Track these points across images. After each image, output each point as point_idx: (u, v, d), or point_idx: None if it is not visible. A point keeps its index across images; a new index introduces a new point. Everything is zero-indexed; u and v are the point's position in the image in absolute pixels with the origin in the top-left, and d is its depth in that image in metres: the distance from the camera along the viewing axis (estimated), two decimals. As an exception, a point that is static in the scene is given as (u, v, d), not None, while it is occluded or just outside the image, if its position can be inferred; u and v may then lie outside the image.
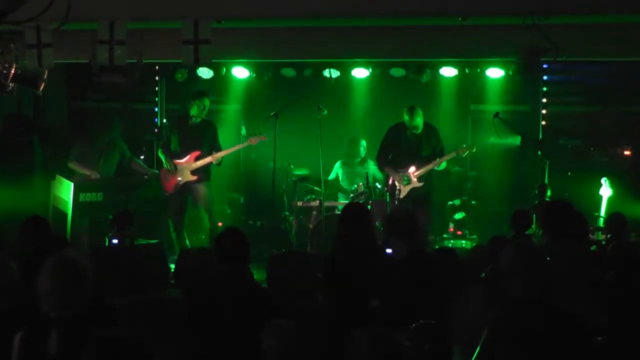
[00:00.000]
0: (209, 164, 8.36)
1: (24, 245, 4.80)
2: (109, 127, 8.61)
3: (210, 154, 8.31)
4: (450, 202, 9.33)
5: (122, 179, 8.70)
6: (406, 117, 8.30)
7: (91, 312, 3.13)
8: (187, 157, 8.29)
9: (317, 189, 8.65)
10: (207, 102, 8.31)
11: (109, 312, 3.95)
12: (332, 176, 9.26)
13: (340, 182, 9.23)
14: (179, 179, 8.28)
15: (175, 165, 8.27)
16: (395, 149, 8.40)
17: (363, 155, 9.24)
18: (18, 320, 3.23)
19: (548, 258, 3.88)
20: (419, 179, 8.30)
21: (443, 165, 8.49)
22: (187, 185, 8.31)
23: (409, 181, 8.26)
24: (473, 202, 9.39)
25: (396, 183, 8.30)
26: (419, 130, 8.34)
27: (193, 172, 8.27)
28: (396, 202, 8.08)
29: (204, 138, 8.34)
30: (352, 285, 4.77)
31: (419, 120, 8.28)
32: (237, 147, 8.49)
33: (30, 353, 3.04)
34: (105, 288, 3.55)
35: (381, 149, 8.54)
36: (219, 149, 8.36)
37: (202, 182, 8.33)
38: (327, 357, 4.66)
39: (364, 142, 9.24)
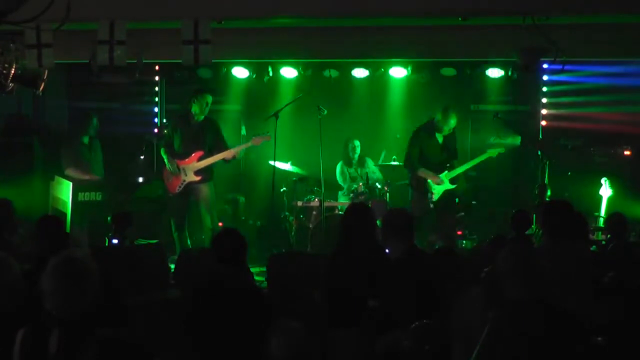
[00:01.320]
0: (212, 164, 8.35)
1: (40, 244, 4.77)
2: (87, 126, 8.53)
3: (214, 152, 8.29)
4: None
5: (122, 179, 8.70)
6: (439, 117, 8.15)
7: (94, 313, 3.13)
8: (190, 157, 8.27)
9: (317, 188, 8.65)
10: (209, 98, 8.27)
11: (111, 313, 3.95)
12: (339, 179, 9.26)
13: (342, 183, 9.24)
14: (183, 179, 8.27)
15: (177, 166, 8.26)
16: (426, 151, 8.19)
17: (358, 156, 9.25)
18: (21, 319, 3.24)
19: (548, 258, 3.89)
20: (452, 180, 8.26)
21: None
22: (190, 185, 8.30)
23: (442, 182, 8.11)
24: (473, 202, 9.39)
25: (428, 186, 8.12)
26: (451, 132, 8.27)
27: (196, 173, 8.26)
28: (431, 205, 8.01)
29: (206, 137, 8.32)
30: (351, 284, 4.77)
31: (453, 122, 8.18)
32: (241, 147, 8.48)
33: (32, 351, 3.04)
34: (105, 288, 3.54)
35: (410, 152, 8.26)
36: (225, 146, 8.34)
37: (205, 182, 8.32)
38: (326, 357, 4.66)
39: (357, 142, 9.24)
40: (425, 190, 8.13)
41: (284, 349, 3.52)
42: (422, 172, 8.16)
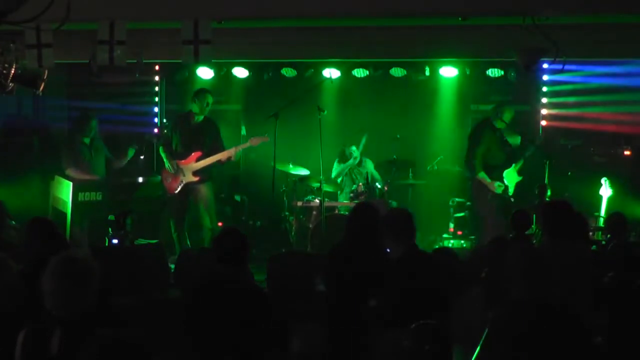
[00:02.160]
0: (211, 164, 8.35)
1: (31, 247, 4.74)
2: (86, 127, 8.49)
3: (211, 153, 8.29)
4: (451, 202, 9.33)
5: (122, 179, 8.69)
6: (496, 111, 8.27)
7: (97, 312, 3.13)
8: (189, 157, 8.28)
9: (316, 184, 8.64)
10: (210, 99, 8.29)
11: (113, 313, 3.95)
12: (334, 174, 9.26)
13: (341, 183, 9.23)
14: (182, 179, 8.27)
15: (177, 166, 8.27)
16: (492, 147, 8.22)
17: (357, 158, 9.25)
18: (21, 319, 3.24)
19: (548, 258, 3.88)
20: (519, 172, 8.27)
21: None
22: (189, 185, 8.31)
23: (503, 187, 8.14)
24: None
25: (489, 189, 8.15)
26: (507, 126, 8.32)
27: (195, 173, 8.26)
28: (512, 200, 8.04)
29: (205, 138, 8.33)
30: (352, 284, 4.77)
31: (508, 116, 8.31)
32: (239, 148, 8.48)
33: (33, 351, 3.04)
34: (105, 288, 3.54)
35: (472, 152, 8.23)
36: (222, 147, 8.35)
37: (204, 182, 8.33)
38: (328, 357, 4.66)
39: (353, 148, 9.22)
40: (487, 189, 8.13)
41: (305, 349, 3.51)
42: (482, 179, 8.17)
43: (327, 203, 8.55)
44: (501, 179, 8.17)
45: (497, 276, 4.10)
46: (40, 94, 7.30)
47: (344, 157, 9.30)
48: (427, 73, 9.40)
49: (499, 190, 8.04)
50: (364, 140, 9.26)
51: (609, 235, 6.46)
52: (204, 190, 8.34)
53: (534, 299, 3.41)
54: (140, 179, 8.85)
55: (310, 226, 8.56)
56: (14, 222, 6.38)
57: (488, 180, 8.11)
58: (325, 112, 8.47)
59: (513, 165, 8.26)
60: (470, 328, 3.64)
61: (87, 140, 8.46)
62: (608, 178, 8.23)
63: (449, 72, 9.38)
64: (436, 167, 9.32)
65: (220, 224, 8.66)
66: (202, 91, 8.37)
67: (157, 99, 10.23)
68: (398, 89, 9.76)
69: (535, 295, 3.41)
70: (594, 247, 6.52)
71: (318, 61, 9.34)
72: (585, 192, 8.44)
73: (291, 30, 7.47)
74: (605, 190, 8.19)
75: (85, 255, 3.21)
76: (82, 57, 7.02)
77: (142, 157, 9.55)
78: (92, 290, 3.11)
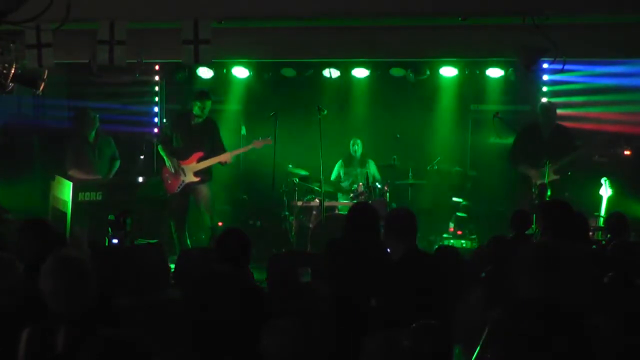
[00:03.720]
0: (211, 165, 8.35)
1: (26, 248, 4.73)
2: (87, 121, 8.47)
3: (212, 154, 8.30)
4: (451, 201, 9.34)
5: (122, 179, 8.69)
6: (540, 114, 8.48)
7: (98, 311, 3.14)
8: (190, 157, 8.28)
9: (317, 188, 8.65)
10: (208, 103, 8.28)
11: (115, 312, 3.96)
12: (334, 176, 9.27)
13: (341, 183, 9.24)
14: (183, 179, 8.28)
15: (178, 164, 8.26)
16: (531, 148, 8.39)
17: (360, 155, 9.25)
18: (23, 319, 3.24)
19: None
20: (556, 171, 8.29)
21: None
22: (189, 185, 8.31)
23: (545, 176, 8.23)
24: (473, 202, 9.38)
25: (533, 180, 8.25)
26: (552, 128, 8.44)
27: (196, 173, 8.27)
28: (536, 201, 8.01)
29: (206, 139, 8.33)
30: (352, 284, 4.77)
31: (548, 119, 8.45)
32: (241, 150, 8.48)
33: (38, 350, 3.05)
34: (105, 288, 3.54)
35: (513, 146, 8.55)
36: (222, 149, 8.35)
37: (205, 182, 8.34)
38: (329, 357, 4.66)
39: (359, 142, 9.25)
40: (529, 186, 8.23)
41: (275, 347, 3.51)
42: (523, 168, 8.39)
43: (327, 203, 8.56)
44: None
45: (498, 276, 4.10)
46: (40, 93, 7.31)
47: (349, 156, 9.30)
48: (427, 73, 9.40)
49: (546, 180, 8.09)
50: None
51: (609, 235, 6.46)
52: (205, 191, 8.35)
53: (543, 298, 3.40)
54: (140, 179, 8.84)
55: (310, 226, 8.56)
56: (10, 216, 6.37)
57: (529, 168, 8.26)
58: (325, 112, 8.47)
59: (546, 165, 8.13)
60: (470, 328, 3.63)
61: (91, 138, 8.46)
62: (608, 178, 8.22)
63: (449, 72, 9.38)
64: (436, 167, 9.32)
65: (220, 223, 8.67)
66: (203, 95, 8.33)
67: (157, 99, 10.23)
68: (398, 89, 9.76)
69: (545, 294, 3.40)
70: (593, 247, 6.52)
71: (318, 61, 9.34)
72: (585, 192, 8.43)
73: (291, 30, 7.47)
74: (605, 191, 8.18)
75: (80, 254, 3.21)
76: (82, 57, 7.03)
77: (142, 157, 9.55)
78: (89, 287, 3.11)
